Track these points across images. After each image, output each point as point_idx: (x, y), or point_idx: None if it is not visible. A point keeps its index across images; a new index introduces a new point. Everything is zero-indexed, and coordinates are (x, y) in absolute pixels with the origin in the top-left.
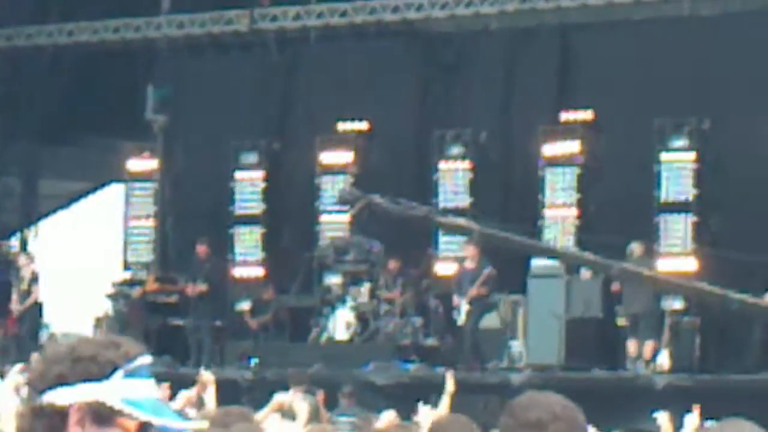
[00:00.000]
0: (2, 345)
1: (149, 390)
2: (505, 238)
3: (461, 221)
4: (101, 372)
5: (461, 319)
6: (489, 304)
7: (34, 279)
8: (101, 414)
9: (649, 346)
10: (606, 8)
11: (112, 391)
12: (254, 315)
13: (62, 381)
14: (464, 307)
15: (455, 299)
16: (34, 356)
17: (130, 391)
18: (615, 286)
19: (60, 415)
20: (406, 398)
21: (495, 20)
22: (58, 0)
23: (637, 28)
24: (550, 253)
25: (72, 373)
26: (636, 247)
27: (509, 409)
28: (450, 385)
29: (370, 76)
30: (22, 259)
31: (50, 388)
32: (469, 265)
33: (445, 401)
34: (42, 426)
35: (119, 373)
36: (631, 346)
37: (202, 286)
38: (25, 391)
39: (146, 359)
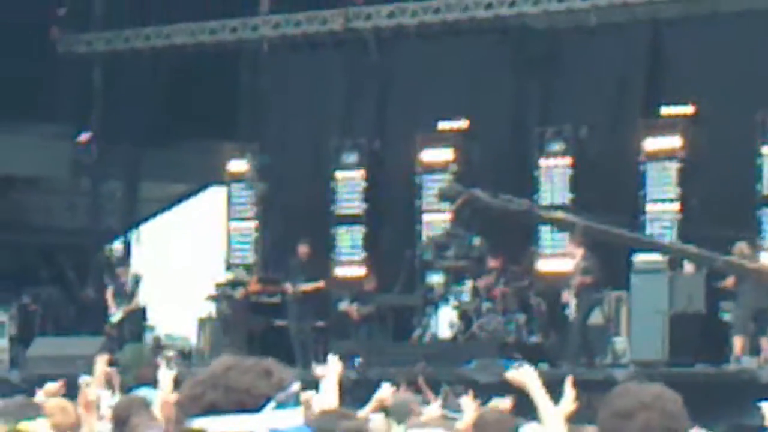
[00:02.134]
0: (108, 348)
1: (296, 419)
2: (608, 232)
3: (563, 215)
4: (255, 404)
5: (571, 315)
6: (596, 298)
7: (136, 283)
8: None
9: (739, 341)
10: (697, 1)
11: (263, 422)
12: (357, 307)
13: (214, 409)
14: (572, 301)
15: (565, 296)
16: (188, 379)
17: (279, 421)
18: (729, 282)
19: None
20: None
21: (591, 15)
22: (157, 3)
23: (733, 20)
24: (654, 246)
25: (226, 402)
26: (743, 246)
27: (605, 399)
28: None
29: (467, 73)
30: (120, 270)
31: (202, 414)
32: (576, 260)
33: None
34: None
35: (271, 404)
36: (738, 342)
37: (305, 287)
38: (115, 382)
39: (296, 387)
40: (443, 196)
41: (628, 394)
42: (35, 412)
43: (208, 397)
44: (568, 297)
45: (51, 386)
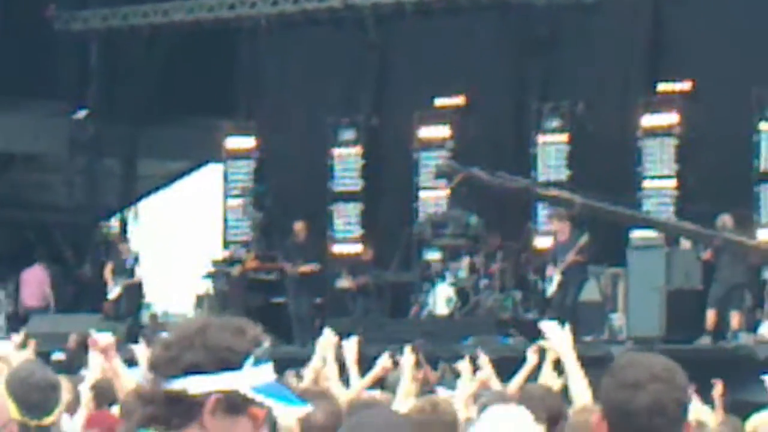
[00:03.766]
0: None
1: (271, 374)
2: (607, 209)
3: (562, 192)
4: (237, 361)
5: (551, 289)
6: (585, 274)
7: (135, 260)
8: (234, 403)
9: (736, 317)
10: None
11: (244, 380)
12: (353, 277)
13: (196, 369)
14: (556, 278)
15: (549, 270)
16: (157, 340)
17: (258, 378)
18: (707, 255)
19: (193, 403)
20: (506, 372)
21: None
22: None
23: None
24: (652, 224)
25: (207, 362)
26: (726, 219)
27: (610, 370)
28: (532, 359)
29: (464, 50)
30: (122, 246)
31: (181, 375)
32: (561, 238)
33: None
34: (174, 413)
35: (249, 360)
36: (711, 316)
37: (303, 267)
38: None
39: (267, 343)
40: (440, 175)
41: (637, 365)
42: None
43: (187, 358)
44: (552, 271)
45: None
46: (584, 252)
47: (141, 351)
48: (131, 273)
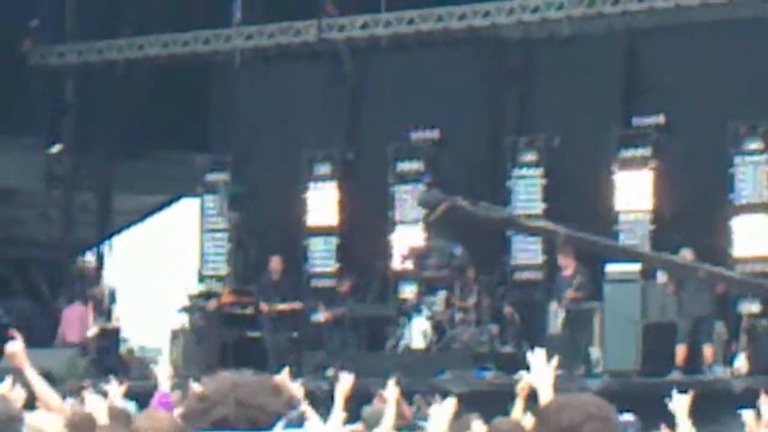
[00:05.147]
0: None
1: None
2: (591, 241)
3: (546, 224)
4: (267, 422)
5: (557, 326)
6: (585, 312)
7: (112, 298)
8: None
9: (709, 350)
10: (673, 11)
11: None
12: (329, 308)
13: (225, 425)
14: (561, 314)
15: (553, 306)
16: (194, 388)
17: None
18: (672, 288)
19: None
20: (483, 406)
21: (564, 26)
22: (129, 15)
23: (706, 31)
24: (635, 256)
25: (237, 419)
26: (687, 253)
27: (540, 416)
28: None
29: (440, 84)
30: (97, 291)
31: (210, 428)
32: (566, 272)
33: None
34: None
35: (281, 422)
36: (681, 351)
37: (281, 306)
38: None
39: (304, 407)
40: (424, 204)
41: (569, 407)
42: None
43: (218, 412)
44: (557, 309)
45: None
46: (582, 289)
47: (113, 389)
48: (108, 315)
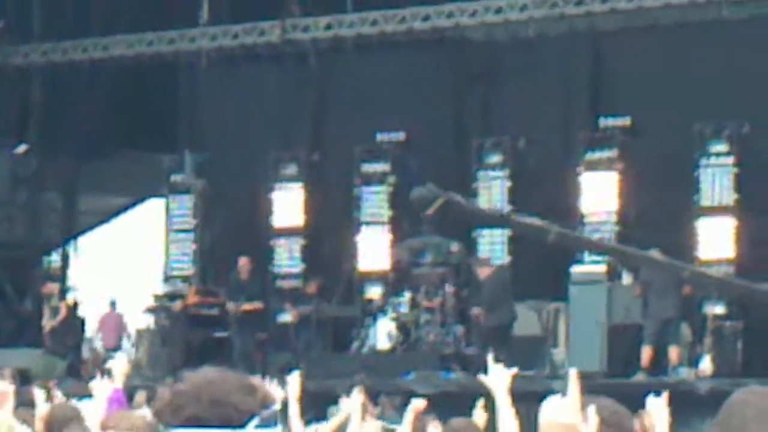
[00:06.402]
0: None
1: None
2: (581, 239)
3: (539, 221)
4: (240, 420)
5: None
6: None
7: (62, 297)
8: None
9: (675, 352)
10: (636, 13)
11: None
12: (295, 307)
13: (197, 423)
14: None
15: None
16: (165, 389)
17: None
18: (638, 290)
19: None
20: (449, 407)
21: (529, 27)
22: (96, 15)
23: (670, 33)
24: (620, 254)
25: (210, 416)
26: (654, 254)
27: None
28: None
29: (405, 85)
30: (49, 287)
31: (182, 425)
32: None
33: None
34: None
35: (254, 421)
36: (646, 353)
37: (246, 306)
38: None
39: (278, 406)
40: (420, 199)
41: None
42: None
43: (190, 409)
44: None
45: None
46: (483, 305)
47: (98, 385)
48: (57, 310)
